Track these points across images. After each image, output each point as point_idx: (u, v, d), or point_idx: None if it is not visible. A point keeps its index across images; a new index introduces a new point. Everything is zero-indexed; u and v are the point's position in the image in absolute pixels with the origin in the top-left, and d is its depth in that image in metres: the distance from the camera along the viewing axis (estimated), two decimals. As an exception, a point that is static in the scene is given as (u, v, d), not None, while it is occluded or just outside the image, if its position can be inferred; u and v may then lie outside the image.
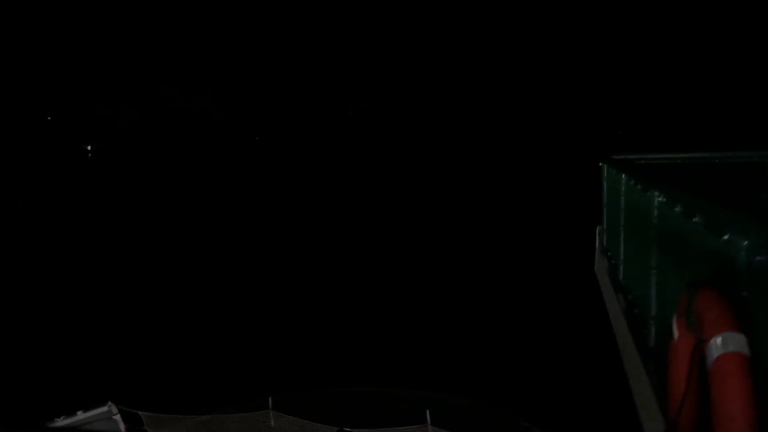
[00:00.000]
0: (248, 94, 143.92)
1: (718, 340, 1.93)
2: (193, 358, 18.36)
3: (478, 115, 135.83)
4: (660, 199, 4.35)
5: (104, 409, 11.53)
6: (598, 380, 13.49)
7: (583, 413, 13.63)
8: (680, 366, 2.24)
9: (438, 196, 56.04)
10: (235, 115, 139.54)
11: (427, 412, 11.06)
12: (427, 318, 21.90)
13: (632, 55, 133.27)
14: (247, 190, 67.22)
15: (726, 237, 2.56)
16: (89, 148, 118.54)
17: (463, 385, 15.05)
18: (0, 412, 12.82)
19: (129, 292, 26.18)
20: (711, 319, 2.02)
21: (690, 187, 4.20)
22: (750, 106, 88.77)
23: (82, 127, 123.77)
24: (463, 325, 21.21)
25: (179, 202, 58.69)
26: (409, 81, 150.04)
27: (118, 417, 11.58)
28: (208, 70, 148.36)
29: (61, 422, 10.92)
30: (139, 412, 11.89)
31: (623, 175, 6.45)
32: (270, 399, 12.30)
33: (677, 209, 3.66)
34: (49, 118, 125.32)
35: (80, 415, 11.28)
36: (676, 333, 2.36)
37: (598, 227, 9.02)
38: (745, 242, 2.38)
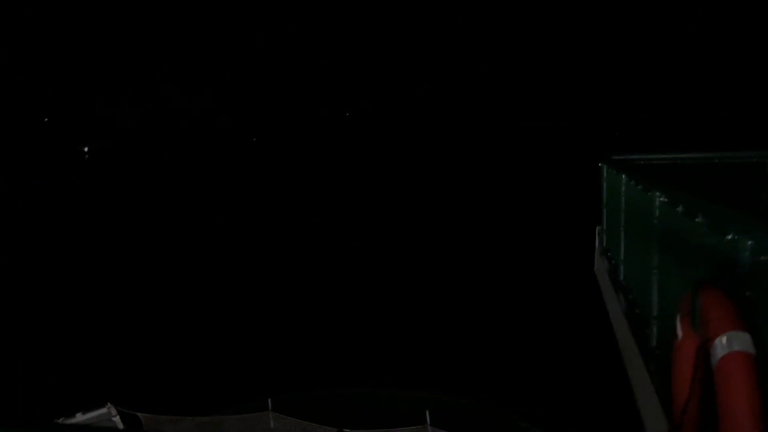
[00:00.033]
0: (248, 95, 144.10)
1: (724, 339, 1.93)
2: (193, 359, 18.34)
3: (477, 115, 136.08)
4: (661, 199, 4.36)
5: (103, 410, 11.53)
6: (598, 380, 13.49)
7: (583, 414, 13.62)
8: (684, 365, 2.24)
9: (438, 196, 56.01)
10: (235, 115, 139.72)
11: (427, 412, 11.07)
12: (427, 318, 21.89)
13: (631, 56, 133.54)
14: (247, 190, 67.18)
15: (730, 237, 2.56)
16: (86, 149, 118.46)
17: (463, 386, 15.05)
18: (0, 412, 12.81)
19: (129, 292, 26.15)
20: (716, 318, 2.02)
21: (690, 187, 4.21)
22: (750, 106, 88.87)
23: (79, 127, 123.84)
24: (463, 326, 21.20)
25: (179, 202, 58.65)
26: (408, 81, 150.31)
27: (117, 418, 11.57)
28: (208, 71, 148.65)
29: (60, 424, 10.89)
30: (139, 414, 11.89)
31: (623, 176, 6.46)
32: (269, 400, 12.31)
33: (679, 209, 3.66)
34: (46, 119, 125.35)
35: (79, 417, 11.27)
36: (679, 332, 2.36)
37: (597, 228, 9.02)
38: (749, 242, 2.38)
